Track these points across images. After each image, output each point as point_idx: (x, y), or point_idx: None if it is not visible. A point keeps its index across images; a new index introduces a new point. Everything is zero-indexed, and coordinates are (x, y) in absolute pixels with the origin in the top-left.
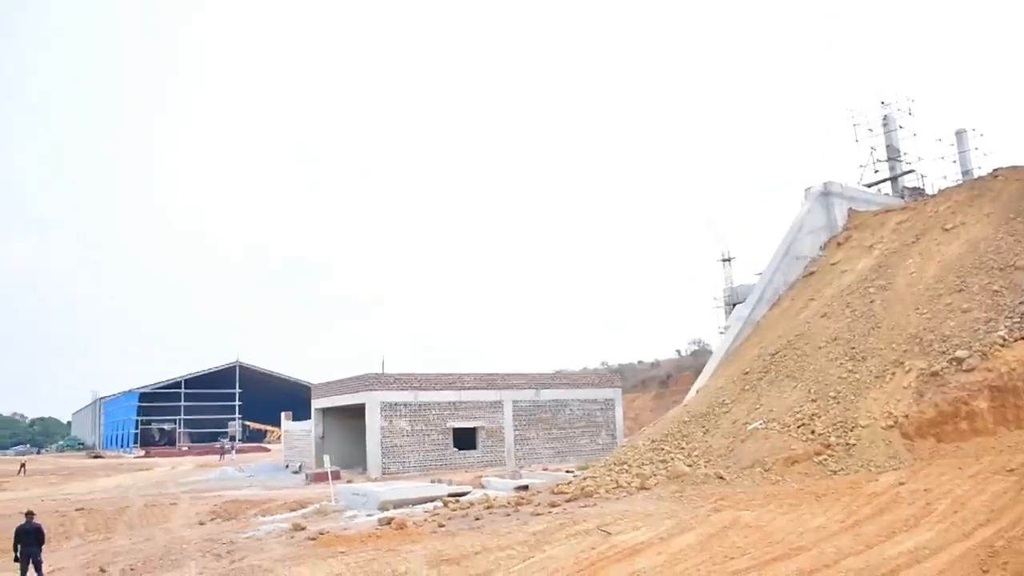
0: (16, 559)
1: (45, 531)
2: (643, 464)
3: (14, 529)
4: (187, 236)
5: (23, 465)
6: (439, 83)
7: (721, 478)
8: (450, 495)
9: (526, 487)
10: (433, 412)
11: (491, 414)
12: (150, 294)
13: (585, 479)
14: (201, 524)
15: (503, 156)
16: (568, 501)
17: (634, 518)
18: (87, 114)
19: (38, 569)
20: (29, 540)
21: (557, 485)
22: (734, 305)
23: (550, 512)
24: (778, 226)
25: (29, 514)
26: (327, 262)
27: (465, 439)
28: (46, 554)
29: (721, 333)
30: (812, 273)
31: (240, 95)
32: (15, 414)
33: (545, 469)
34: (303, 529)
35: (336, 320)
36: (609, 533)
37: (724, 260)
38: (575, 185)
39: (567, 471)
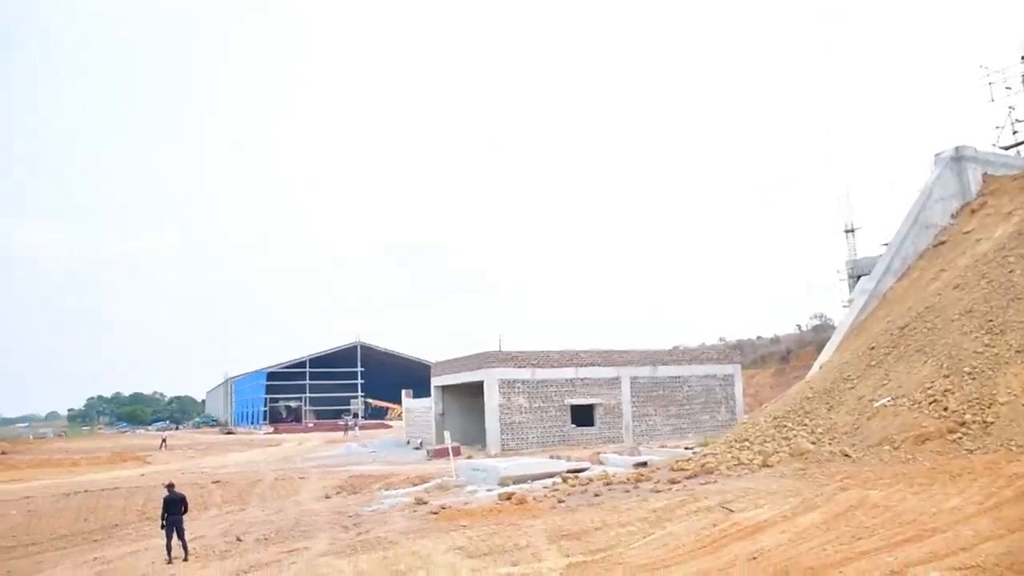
0: (162, 526)
1: (188, 502)
2: (765, 441)
3: (163, 499)
4: (314, 223)
5: (164, 440)
6: (560, 62)
7: (847, 456)
8: (569, 471)
9: (645, 464)
10: (551, 389)
11: (609, 391)
12: (277, 278)
13: (705, 456)
14: (328, 497)
15: (622, 131)
16: (688, 478)
17: (756, 496)
18: (220, 117)
19: (181, 535)
20: (174, 509)
21: (676, 462)
22: (858, 277)
23: (670, 489)
24: (906, 195)
25: (170, 486)
26: (445, 243)
27: (583, 416)
28: (187, 523)
29: (845, 307)
30: (943, 242)
31: (359, 85)
32: (155, 393)
33: (663, 446)
34: (425, 503)
35: (454, 299)
36: (731, 511)
37: (847, 231)
38: (696, 157)
39: (686, 448)
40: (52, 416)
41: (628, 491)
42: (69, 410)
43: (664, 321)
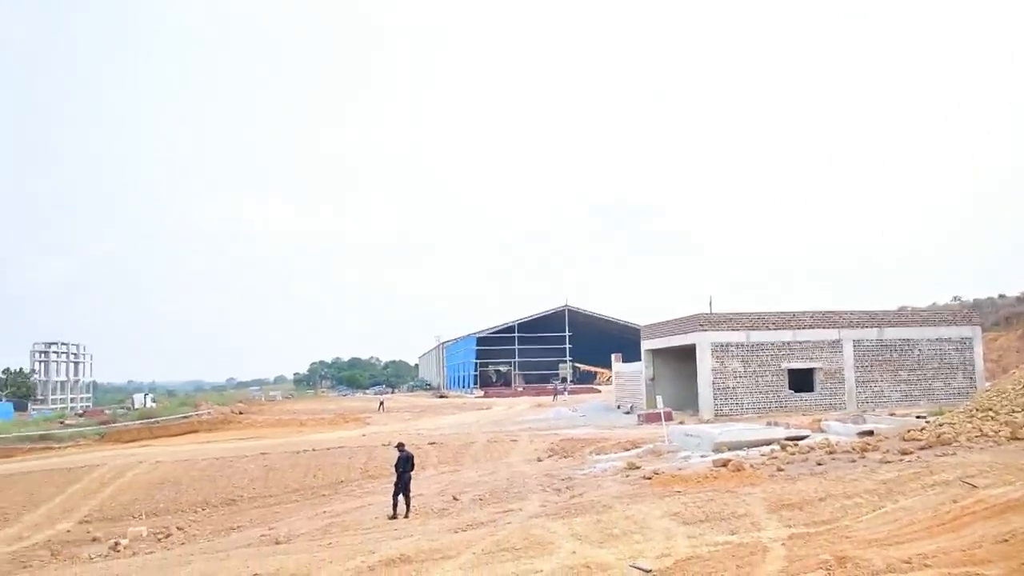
0: (395, 483)
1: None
2: (1014, 411)
3: (398, 457)
4: (521, 188)
5: (382, 403)
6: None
7: None
8: (787, 439)
9: (871, 432)
10: (767, 352)
11: (830, 354)
12: (483, 244)
13: (941, 425)
14: (539, 460)
15: (837, 82)
16: (921, 449)
17: (1004, 471)
18: (431, 93)
19: (407, 492)
20: (405, 467)
21: (908, 431)
22: None
23: (901, 460)
24: None
25: (400, 445)
26: (650, 204)
27: (801, 380)
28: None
29: None
30: None
31: (540, 47)
32: (372, 358)
33: (892, 414)
34: (637, 468)
35: (663, 261)
36: (974, 486)
37: None
38: (917, 98)
39: (917, 416)
40: (279, 380)
41: (854, 461)
42: (294, 374)
43: (886, 279)
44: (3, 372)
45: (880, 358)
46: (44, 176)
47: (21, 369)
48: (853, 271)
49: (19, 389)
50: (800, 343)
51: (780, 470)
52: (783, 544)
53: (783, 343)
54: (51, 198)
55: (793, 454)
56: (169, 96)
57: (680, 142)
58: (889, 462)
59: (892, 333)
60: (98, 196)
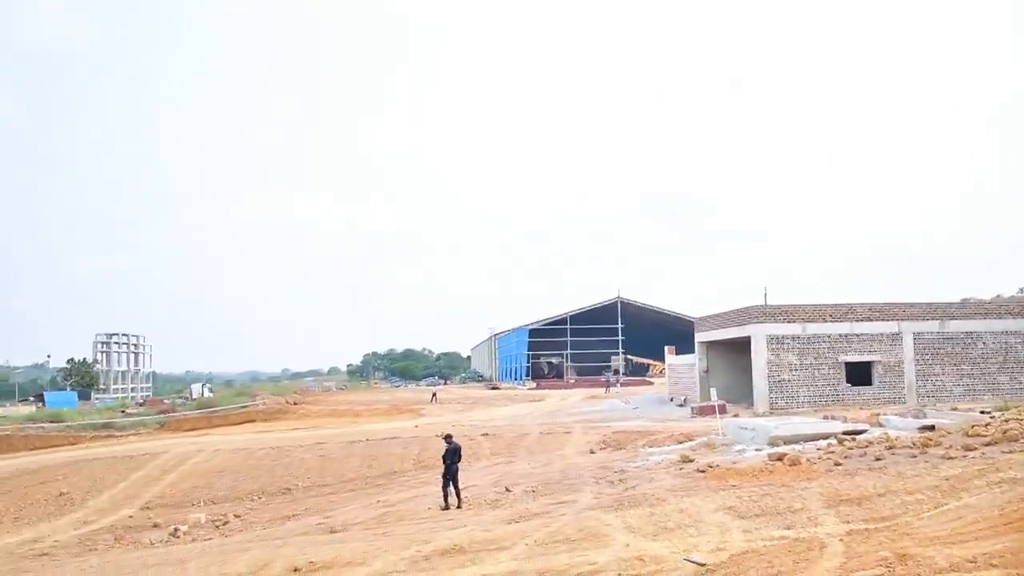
0: (443, 474)
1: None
2: None
3: (446, 448)
4: (572, 177)
5: (435, 394)
6: None
7: None
8: (845, 433)
9: (932, 427)
10: (823, 345)
11: (888, 347)
12: (533, 235)
13: (1007, 421)
14: (592, 452)
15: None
16: (987, 445)
17: None
18: (479, 87)
19: (455, 483)
20: (452, 458)
21: (972, 427)
22: None
23: (965, 456)
24: None
25: (447, 437)
26: (702, 193)
27: (859, 374)
28: (460, 473)
29: None
30: None
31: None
32: (424, 349)
33: (954, 409)
34: (691, 461)
35: (712, 252)
36: None
37: None
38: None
39: (981, 411)
40: (333, 371)
41: (915, 456)
42: (348, 365)
43: (946, 270)
44: (68, 362)
45: (942, 351)
46: (110, 175)
47: (84, 359)
48: (910, 263)
49: (83, 379)
50: (858, 335)
51: (837, 465)
52: (841, 540)
53: (840, 335)
54: (116, 197)
55: (851, 449)
56: (224, 99)
57: (729, 129)
58: (952, 458)
59: (955, 326)
60: (158, 194)
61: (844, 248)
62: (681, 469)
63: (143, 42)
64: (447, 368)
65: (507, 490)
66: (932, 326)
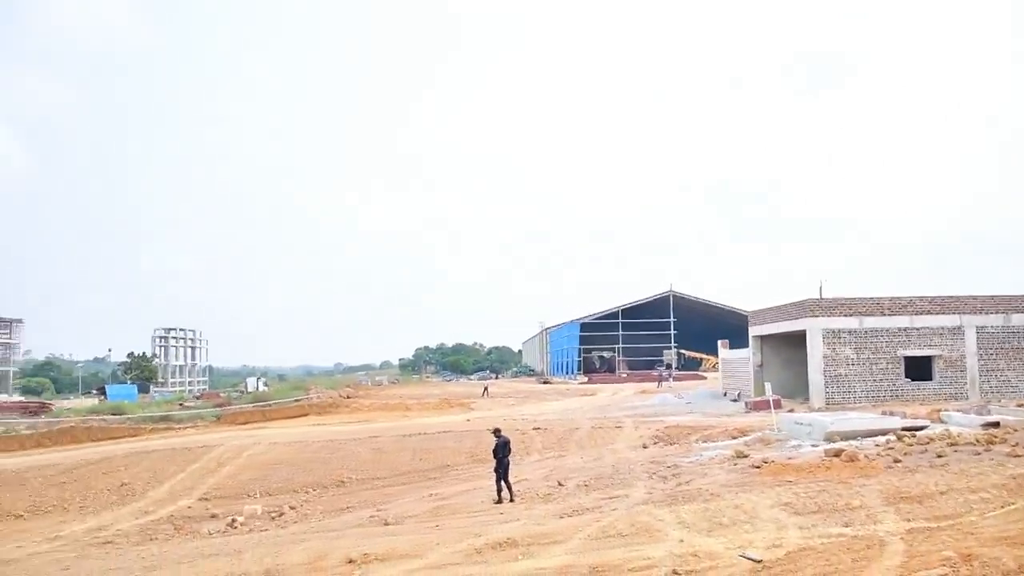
0: (495, 468)
1: (511, 446)
2: None
3: (495, 443)
4: (624, 167)
5: (486, 388)
6: None
7: None
8: (904, 429)
9: (997, 424)
10: (881, 339)
11: (950, 341)
12: (585, 227)
13: None
14: (644, 447)
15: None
16: None
17: None
18: (527, 81)
19: (505, 477)
20: (503, 451)
21: None
22: None
23: None
24: None
25: (496, 431)
26: (760, 188)
27: (918, 369)
28: (511, 467)
29: None
30: None
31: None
32: (475, 344)
33: (1020, 405)
34: (746, 456)
35: (764, 245)
36: None
37: None
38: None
39: None
40: (385, 365)
41: (978, 453)
42: (399, 359)
43: (1012, 262)
44: (128, 356)
45: (1007, 345)
46: (169, 176)
47: (144, 354)
48: (969, 255)
49: (142, 372)
50: (917, 329)
51: (897, 461)
52: (901, 538)
53: (899, 329)
54: (175, 195)
55: (911, 445)
56: (279, 100)
57: (786, 119)
58: (1019, 456)
59: (1020, 319)
60: (215, 194)
61: (923, 236)
62: (735, 464)
63: (206, 42)
64: (498, 362)
65: (559, 484)
66: (996, 320)
